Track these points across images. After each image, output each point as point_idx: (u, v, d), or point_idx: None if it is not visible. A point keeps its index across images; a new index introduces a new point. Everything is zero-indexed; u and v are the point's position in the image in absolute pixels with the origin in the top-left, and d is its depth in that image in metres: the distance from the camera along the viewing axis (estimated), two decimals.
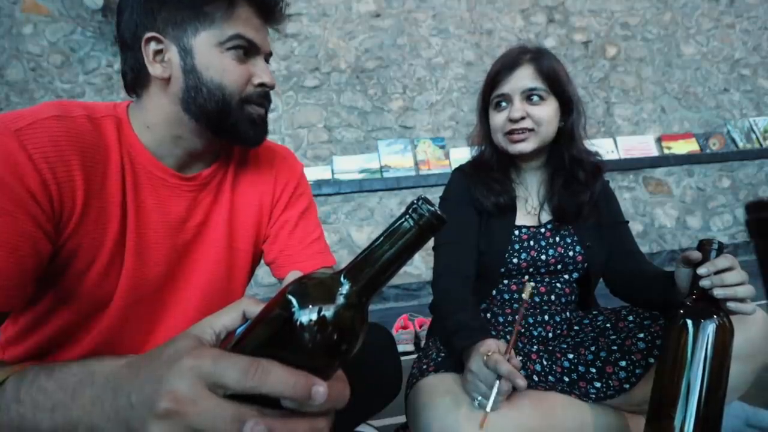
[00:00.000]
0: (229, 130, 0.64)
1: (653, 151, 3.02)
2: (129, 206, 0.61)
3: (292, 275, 0.34)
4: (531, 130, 0.87)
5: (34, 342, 0.60)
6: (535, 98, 0.87)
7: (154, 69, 0.61)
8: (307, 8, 2.87)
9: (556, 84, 0.87)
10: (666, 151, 3.04)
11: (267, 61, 0.67)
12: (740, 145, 3.13)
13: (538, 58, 0.88)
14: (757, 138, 3.16)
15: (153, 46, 0.60)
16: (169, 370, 0.30)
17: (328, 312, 0.30)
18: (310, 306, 0.30)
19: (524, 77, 0.87)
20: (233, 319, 0.37)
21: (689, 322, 0.61)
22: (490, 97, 0.93)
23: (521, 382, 0.62)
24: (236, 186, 0.73)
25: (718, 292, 0.63)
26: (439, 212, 0.31)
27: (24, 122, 0.51)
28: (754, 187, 3.09)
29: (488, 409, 0.64)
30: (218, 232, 0.70)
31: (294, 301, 0.31)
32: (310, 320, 0.30)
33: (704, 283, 0.64)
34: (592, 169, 0.92)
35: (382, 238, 0.32)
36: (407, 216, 0.31)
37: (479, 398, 0.68)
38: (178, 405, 0.28)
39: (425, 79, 2.96)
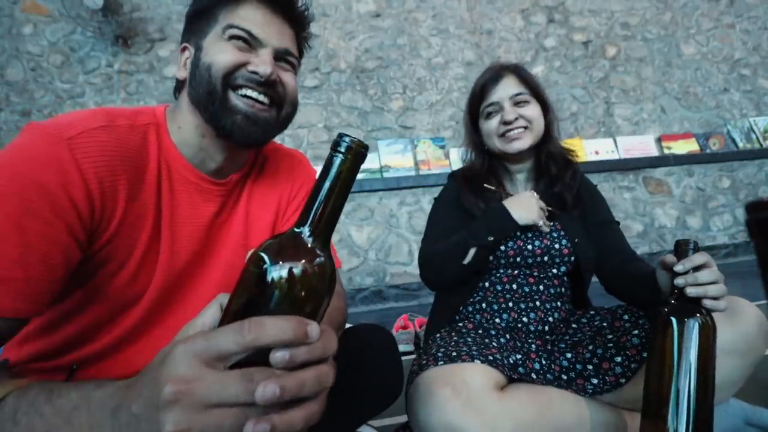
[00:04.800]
0: (214, 119, 0.63)
1: (653, 151, 3.02)
2: (164, 211, 0.62)
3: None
4: (525, 128, 0.97)
5: (60, 338, 0.60)
6: (522, 102, 0.98)
7: (180, 73, 0.68)
8: None
9: (536, 89, 1.00)
10: (666, 151, 3.04)
11: (282, 57, 0.67)
12: (740, 145, 3.13)
13: (517, 69, 1.01)
14: (757, 138, 3.16)
15: (185, 54, 0.68)
16: (164, 363, 0.30)
17: (297, 257, 0.33)
18: (280, 261, 0.33)
19: (510, 85, 0.99)
20: (212, 315, 0.37)
21: (673, 319, 0.63)
22: (478, 108, 1.03)
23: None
24: (257, 188, 0.76)
25: (690, 291, 0.65)
26: (360, 140, 0.35)
27: (75, 131, 0.52)
28: (754, 187, 3.09)
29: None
30: (235, 232, 0.72)
31: (260, 261, 0.33)
32: (281, 275, 0.32)
33: (678, 281, 0.66)
34: (563, 163, 1.03)
35: (321, 180, 0.35)
36: (335, 152, 0.35)
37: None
38: (183, 385, 0.28)
39: (425, 79, 2.96)
